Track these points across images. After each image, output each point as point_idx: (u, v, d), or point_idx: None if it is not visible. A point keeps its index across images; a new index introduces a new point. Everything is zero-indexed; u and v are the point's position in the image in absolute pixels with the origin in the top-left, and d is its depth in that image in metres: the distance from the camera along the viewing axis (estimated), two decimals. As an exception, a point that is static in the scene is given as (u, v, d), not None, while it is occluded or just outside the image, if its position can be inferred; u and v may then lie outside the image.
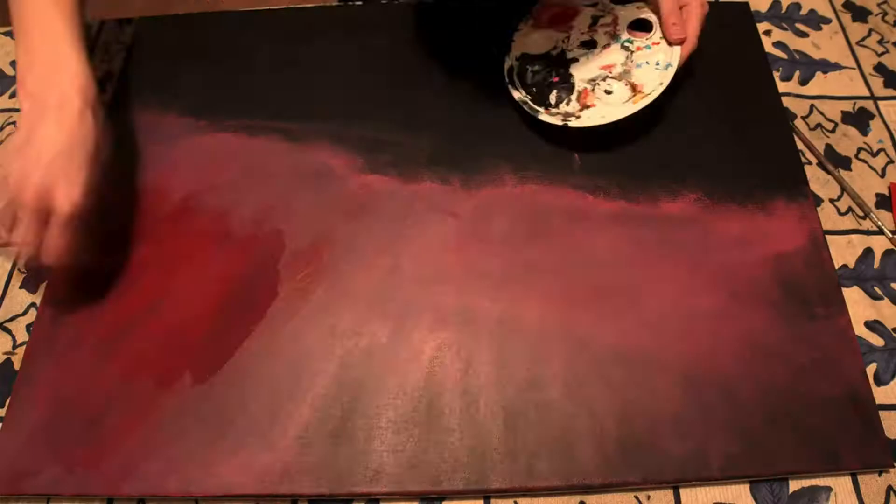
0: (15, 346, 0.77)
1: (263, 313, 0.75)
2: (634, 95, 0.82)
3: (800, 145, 0.86)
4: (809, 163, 0.85)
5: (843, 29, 0.97)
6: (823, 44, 0.96)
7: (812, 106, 0.90)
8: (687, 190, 0.81)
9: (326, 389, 0.70)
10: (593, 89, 0.85)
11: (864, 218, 0.81)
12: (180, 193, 0.83)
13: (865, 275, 0.78)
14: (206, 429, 0.69)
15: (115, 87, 0.94)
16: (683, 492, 0.67)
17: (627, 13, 0.90)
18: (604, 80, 0.85)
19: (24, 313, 0.79)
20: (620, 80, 0.85)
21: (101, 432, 0.69)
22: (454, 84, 0.91)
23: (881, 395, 0.70)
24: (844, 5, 0.99)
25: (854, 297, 0.76)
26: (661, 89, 0.82)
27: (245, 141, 0.87)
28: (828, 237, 0.79)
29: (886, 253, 0.79)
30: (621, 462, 0.66)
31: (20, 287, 0.80)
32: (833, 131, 0.88)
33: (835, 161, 0.85)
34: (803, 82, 0.92)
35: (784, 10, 0.99)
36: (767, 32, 0.97)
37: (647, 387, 0.69)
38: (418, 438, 0.68)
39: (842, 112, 0.90)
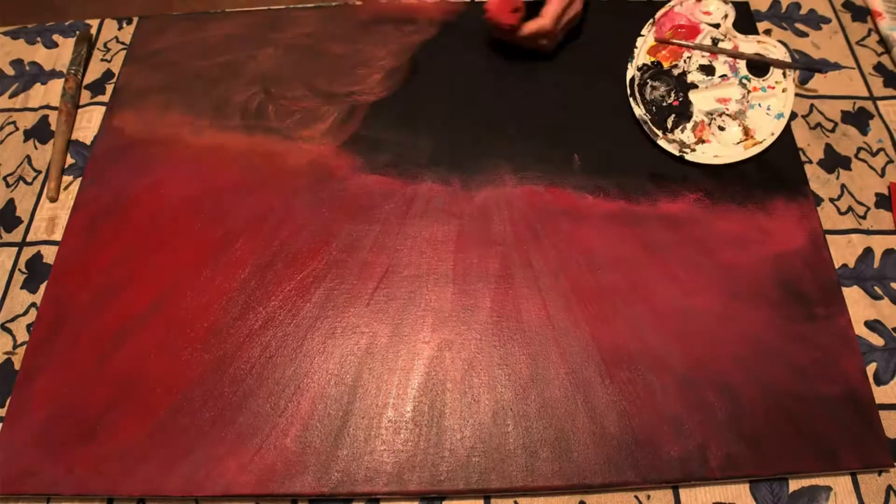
0: (15, 346, 0.77)
1: (263, 313, 0.75)
2: (746, 139, 0.84)
3: (800, 144, 0.86)
4: (810, 161, 0.85)
5: (843, 29, 0.97)
6: (823, 43, 0.95)
7: (812, 105, 0.90)
8: (687, 190, 0.81)
9: (326, 389, 0.70)
10: (710, 123, 0.86)
11: (863, 217, 0.81)
12: (180, 193, 0.83)
13: (865, 274, 0.78)
14: (206, 429, 0.69)
15: (115, 87, 0.94)
16: (683, 492, 0.67)
17: (748, 45, 0.90)
18: (720, 115, 0.86)
19: (25, 313, 0.79)
20: (735, 119, 0.86)
21: (101, 432, 0.69)
22: (455, 84, 0.91)
23: (881, 394, 0.70)
24: (844, 5, 0.99)
25: (854, 297, 0.76)
26: (771, 139, 0.83)
27: (245, 141, 0.87)
28: (828, 237, 0.79)
29: (886, 252, 0.79)
30: (621, 462, 0.66)
31: (21, 287, 0.80)
32: (833, 131, 0.88)
33: (835, 161, 0.85)
34: (803, 82, 0.92)
35: (784, 10, 0.99)
36: (767, 32, 0.97)
37: (647, 386, 0.69)
38: (418, 438, 0.68)
39: (841, 112, 0.90)
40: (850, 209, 0.82)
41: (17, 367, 0.75)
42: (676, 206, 0.80)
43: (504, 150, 0.85)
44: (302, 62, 0.94)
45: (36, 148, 0.90)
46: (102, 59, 0.98)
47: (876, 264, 0.79)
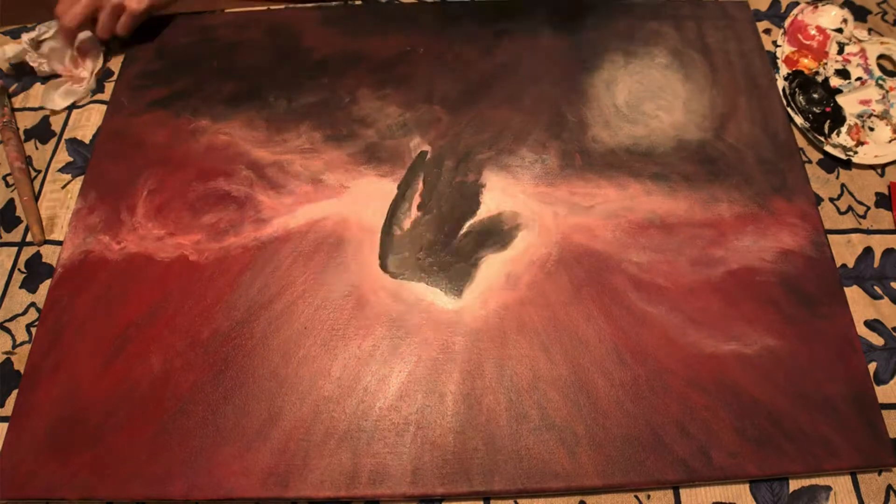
0: (15, 346, 0.77)
1: (266, 315, 0.75)
2: None
3: (800, 143, 0.86)
4: (810, 161, 0.85)
5: (844, 29, 0.97)
6: (822, 43, 0.95)
7: (812, 106, 0.90)
8: (688, 190, 0.81)
9: (329, 392, 0.70)
10: (862, 125, 0.87)
11: (863, 216, 0.81)
12: (180, 194, 0.83)
13: (865, 274, 0.78)
14: (209, 432, 0.69)
15: (115, 87, 0.94)
16: (684, 492, 0.67)
17: (872, 47, 0.92)
18: (868, 117, 0.87)
19: (24, 313, 0.79)
20: (882, 118, 0.88)
21: (105, 436, 0.69)
22: (454, 83, 0.91)
23: (881, 394, 0.70)
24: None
25: (854, 297, 0.76)
26: None
27: (246, 140, 0.87)
28: (828, 236, 0.79)
29: (886, 252, 0.79)
30: (625, 463, 0.66)
31: (20, 287, 0.80)
32: (833, 130, 0.88)
33: (834, 160, 0.86)
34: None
35: (783, 10, 0.99)
36: (767, 31, 0.97)
37: (649, 387, 0.69)
38: (422, 441, 0.68)
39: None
40: (849, 209, 0.82)
41: (16, 367, 0.75)
42: (677, 205, 0.80)
43: (507, 148, 0.86)
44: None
45: (36, 148, 0.90)
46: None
47: (876, 264, 0.79)
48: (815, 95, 0.89)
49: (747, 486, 0.67)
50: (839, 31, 0.94)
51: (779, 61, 0.93)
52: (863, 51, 0.92)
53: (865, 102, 0.89)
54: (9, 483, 0.67)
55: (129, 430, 0.69)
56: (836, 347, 0.72)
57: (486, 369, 0.71)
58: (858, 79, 0.90)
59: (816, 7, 0.95)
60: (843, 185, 0.84)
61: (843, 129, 0.87)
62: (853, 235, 0.81)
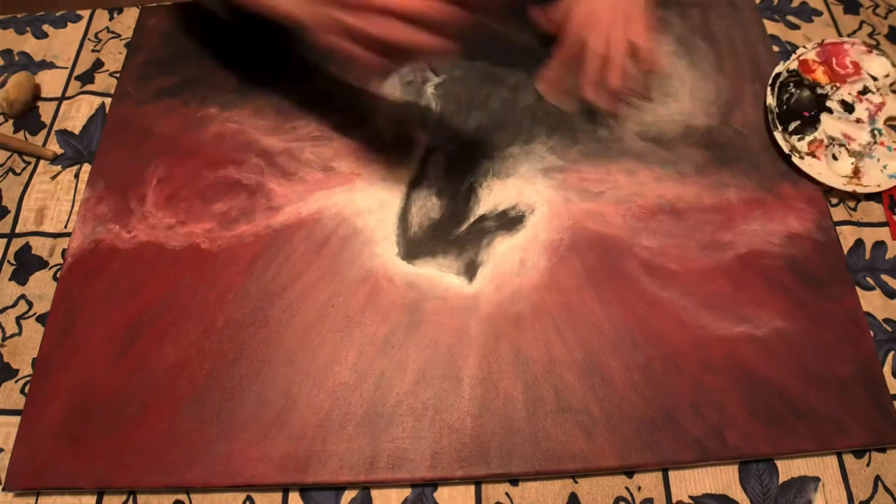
0: (5, 339, 0.76)
1: (280, 303, 0.75)
2: (853, 178, 0.83)
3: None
4: (801, 154, 0.87)
5: (835, 21, 0.98)
6: (815, 36, 0.96)
7: (806, 98, 0.91)
8: (696, 175, 0.82)
9: (346, 378, 0.70)
10: (828, 145, 0.85)
11: (854, 209, 0.83)
12: (190, 182, 0.83)
13: (856, 266, 0.79)
14: (226, 419, 0.69)
15: (120, 77, 0.93)
16: (673, 483, 0.68)
17: (893, 104, 0.89)
18: (840, 145, 0.85)
19: (14, 305, 0.78)
20: (852, 156, 0.84)
21: (122, 425, 0.69)
22: (452, 82, 0.91)
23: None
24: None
25: (844, 288, 0.78)
26: (875, 191, 0.82)
27: (255, 128, 0.87)
28: (823, 225, 0.80)
29: (876, 244, 0.81)
30: (640, 444, 0.67)
31: (9, 279, 0.79)
32: (823, 123, 0.89)
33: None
34: (795, 74, 0.93)
35: (776, 3, 1.00)
36: (759, 26, 0.98)
37: (663, 369, 0.70)
38: (440, 425, 0.68)
39: (833, 103, 0.91)
40: (840, 201, 0.83)
41: (6, 359, 0.75)
42: (686, 191, 0.81)
43: (516, 133, 0.86)
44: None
45: (26, 139, 0.89)
46: (93, 51, 0.97)
47: (867, 256, 0.80)
48: (805, 96, 0.88)
49: (737, 477, 0.68)
50: (875, 78, 0.91)
51: (793, 56, 0.91)
52: (883, 104, 0.89)
53: (848, 138, 0.85)
54: (25, 473, 0.67)
55: (145, 419, 0.69)
56: (844, 328, 0.73)
57: (502, 353, 0.71)
58: (858, 119, 0.87)
59: (871, 51, 0.91)
60: (835, 177, 0.85)
61: (808, 137, 0.85)
62: (844, 227, 0.81)
